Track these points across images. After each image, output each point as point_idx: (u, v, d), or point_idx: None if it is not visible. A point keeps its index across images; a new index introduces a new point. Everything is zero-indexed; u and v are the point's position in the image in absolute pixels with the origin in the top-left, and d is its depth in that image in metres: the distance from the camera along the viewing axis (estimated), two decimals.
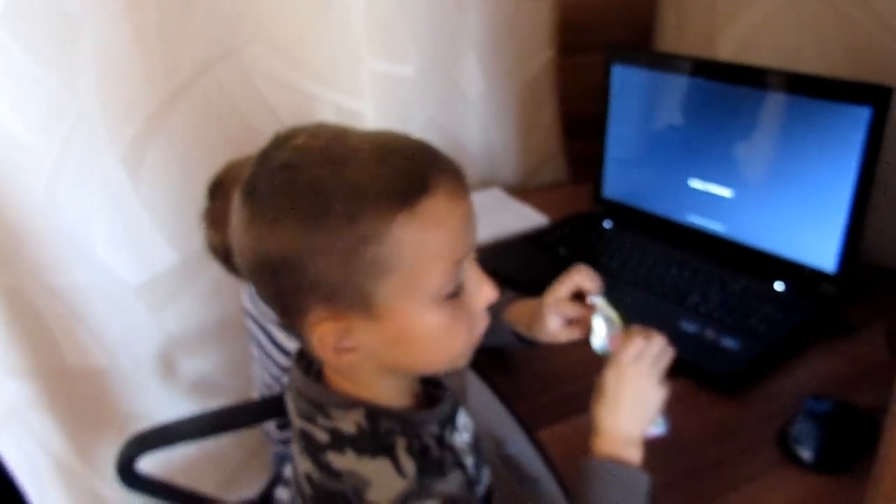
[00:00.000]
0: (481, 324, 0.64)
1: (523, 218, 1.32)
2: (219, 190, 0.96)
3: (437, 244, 0.57)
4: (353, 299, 0.57)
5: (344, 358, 0.60)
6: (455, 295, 0.59)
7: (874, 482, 0.44)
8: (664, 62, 1.15)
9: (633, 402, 0.68)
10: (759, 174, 1.05)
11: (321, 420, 0.62)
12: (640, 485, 0.65)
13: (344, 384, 0.64)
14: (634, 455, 0.67)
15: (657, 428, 0.71)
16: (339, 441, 0.61)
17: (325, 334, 0.58)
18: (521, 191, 1.45)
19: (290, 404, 0.67)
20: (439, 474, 0.61)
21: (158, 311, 1.23)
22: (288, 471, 0.92)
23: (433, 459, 0.63)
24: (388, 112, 1.29)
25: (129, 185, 1.14)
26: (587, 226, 1.24)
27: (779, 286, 1.01)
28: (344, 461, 0.60)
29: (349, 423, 0.61)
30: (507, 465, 1.13)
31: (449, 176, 0.57)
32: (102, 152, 1.10)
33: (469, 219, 0.59)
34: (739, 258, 1.07)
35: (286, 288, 0.58)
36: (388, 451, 0.60)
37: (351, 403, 0.62)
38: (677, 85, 1.13)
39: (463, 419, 0.72)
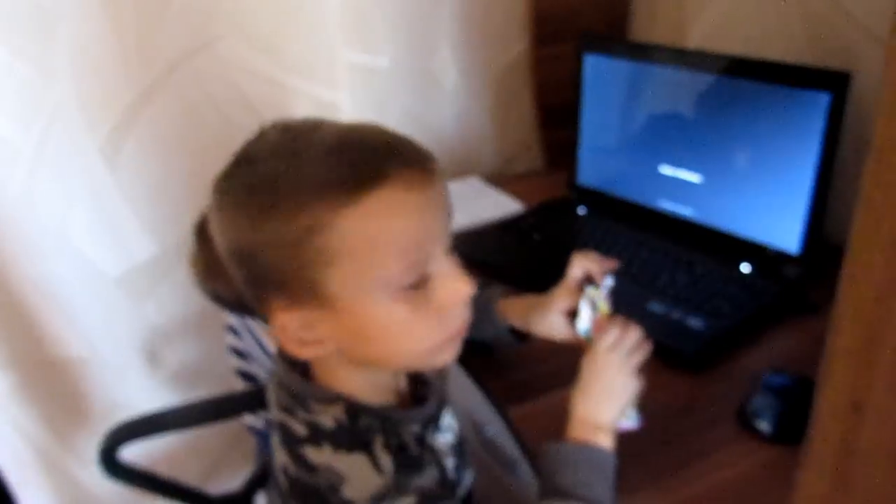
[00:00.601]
0: (456, 319, 0.62)
1: (500, 205, 1.34)
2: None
3: (391, 235, 0.56)
4: (305, 290, 0.57)
5: (308, 350, 0.61)
6: (418, 287, 0.58)
7: (807, 445, 0.47)
8: (634, 51, 1.18)
9: (604, 390, 0.70)
10: (725, 159, 1.07)
11: (300, 413, 0.62)
12: (606, 466, 0.67)
13: (327, 378, 0.64)
14: (604, 441, 0.68)
15: (629, 421, 0.72)
16: (317, 435, 0.61)
17: (284, 324, 0.59)
18: (499, 179, 1.47)
19: (272, 396, 0.67)
20: (416, 470, 0.61)
21: (138, 301, 1.24)
22: None
23: (410, 457, 0.63)
24: (363, 103, 1.30)
25: (108, 176, 1.15)
26: (561, 212, 1.27)
27: (745, 268, 1.04)
28: (320, 455, 0.60)
29: (328, 417, 0.61)
30: (486, 449, 1.16)
31: (410, 167, 0.57)
32: (81, 144, 1.11)
33: (434, 210, 0.59)
34: (708, 241, 1.10)
35: (248, 279, 0.59)
36: (365, 446, 0.60)
37: (332, 398, 0.62)
38: (647, 73, 1.16)
39: (448, 420, 0.72)
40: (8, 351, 1.17)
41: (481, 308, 0.82)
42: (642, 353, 0.73)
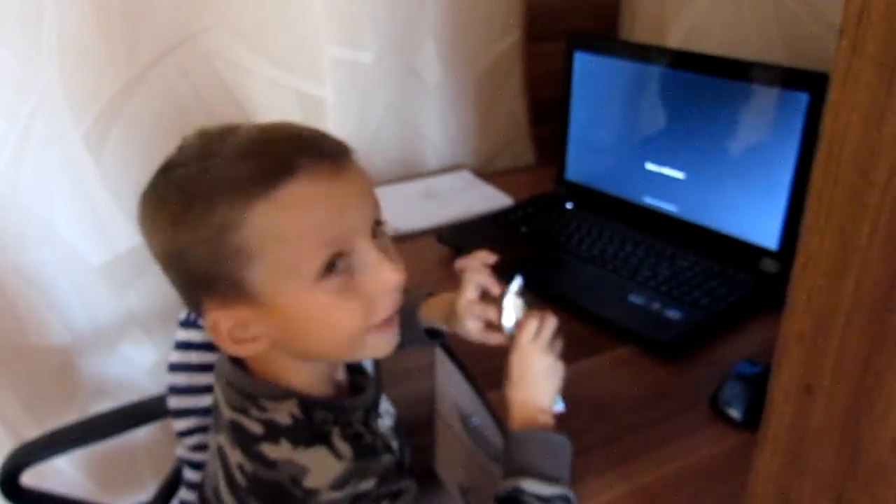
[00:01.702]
0: (385, 305, 0.63)
1: (489, 199, 1.36)
2: None
3: (303, 227, 0.57)
4: (231, 288, 0.58)
5: (242, 348, 0.62)
6: (341, 275, 0.60)
7: (763, 426, 0.49)
8: (622, 49, 1.19)
9: (536, 376, 0.73)
10: (708, 157, 1.09)
11: (254, 412, 0.63)
12: (563, 445, 0.70)
13: (272, 373, 0.65)
14: (548, 422, 0.72)
15: (558, 406, 0.75)
16: (274, 432, 0.61)
17: (215, 323, 0.60)
18: (489, 173, 1.48)
19: (219, 394, 0.68)
20: (373, 456, 0.64)
21: (121, 289, 1.25)
22: (189, 474, 0.90)
23: (366, 444, 0.65)
24: (347, 98, 1.31)
25: (92, 165, 1.15)
26: (549, 206, 1.28)
27: (726, 263, 1.06)
28: (279, 451, 0.61)
29: (283, 414, 0.62)
30: (472, 437, 1.19)
31: (318, 160, 0.58)
32: (65, 133, 1.11)
33: (348, 199, 0.59)
34: (690, 237, 1.12)
35: (178, 282, 0.61)
36: (323, 439, 0.61)
37: (283, 394, 0.63)
38: (634, 71, 1.17)
39: (385, 405, 0.75)
40: None
41: (405, 311, 0.83)
42: (560, 341, 0.76)
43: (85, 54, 1.09)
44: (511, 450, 0.70)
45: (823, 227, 0.41)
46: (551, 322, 0.75)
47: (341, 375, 0.71)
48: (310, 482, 0.59)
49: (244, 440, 0.62)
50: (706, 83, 1.07)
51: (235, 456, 0.63)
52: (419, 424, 1.47)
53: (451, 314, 0.82)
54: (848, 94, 0.37)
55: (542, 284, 1.02)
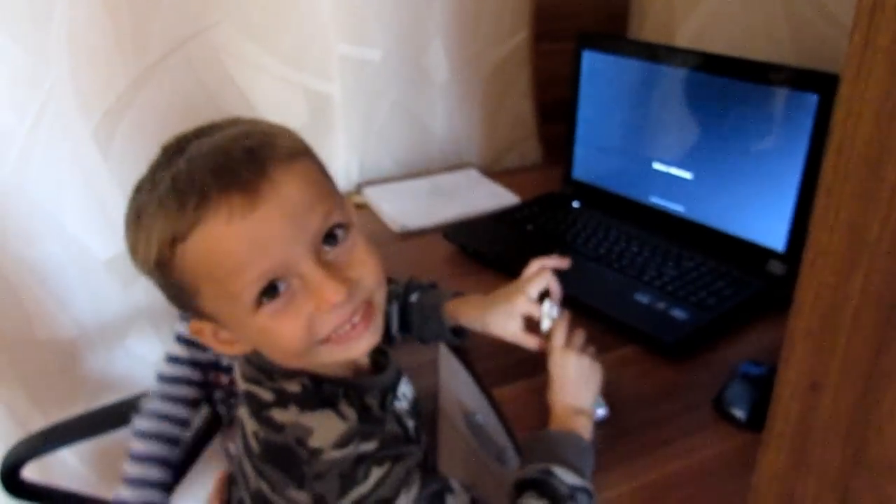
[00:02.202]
0: (327, 323, 0.61)
1: (495, 197, 1.36)
2: None
3: (227, 265, 0.57)
4: (192, 311, 0.62)
5: (227, 348, 0.65)
6: (276, 297, 0.59)
7: (768, 423, 0.49)
8: (630, 49, 1.19)
9: (576, 379, 0.78)
10: (715, 157, 1.09)
11: (266, 382, 0.66)
12: (590, 451, 0.72)
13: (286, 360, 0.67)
14: (583, 424, 0.74)
15: (601, 410, 0.80)
16: (284, 398, 0.64)
17: (199, 330, 0.64)
18: (496, 172, 1.49)
19: (237, 370, 0.71)
20: (378, 423, 0.66)
21: (128, 284, 1.25)
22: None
23: (373, 415, 0.68)
24: (355, 95, 1.32)
25: (101, 160, 1.16)
26: (555, 205, 1.28)
27: (732, 264, 1.06)
28: (287, 415, 0.63)
29: (294, 383, 0.65)
30: (475, 435, 1.19)
31: (235, 193, 0.56)
32: (74, 128, 1.12)
33: (270, 226, 0.57)
34: (697, 237, 1.12)
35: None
36: (330, 405, 0.64)
37: (295, 372, 0.65)
38: (642, 71, 1.17)
39: (404, 388, 0.76)
40: None
41: (429, 309, 0.89)
42: (591, 351, 0.81)
43: (94, 50, 1.09)
44: (541, 440, 0.73)
45: (832, 224, 0.41)
46: (580, 333, 0.82)
47: (363, 358, 0.72)
48: (313, 442, 0.61)
49: (256, 407, 0.65)
50: (715, 83, 1.06)
51: (250, 425, 0.65)
52: (423, 421, 1.47)
53: (491, 313, 0.84)
54: (859, 90, 0.37)
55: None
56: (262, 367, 0.67)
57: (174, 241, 0.57)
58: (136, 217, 0.59)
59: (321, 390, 0.65)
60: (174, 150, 0.61)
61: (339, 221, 0.62)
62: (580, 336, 0.82)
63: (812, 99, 0.95)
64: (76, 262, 1.19)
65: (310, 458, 0.60)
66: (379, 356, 0.75)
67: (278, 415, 0.63)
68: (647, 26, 1.42)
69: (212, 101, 1.21)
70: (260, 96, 1.24)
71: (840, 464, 0.44)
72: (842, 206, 0.40)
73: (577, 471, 0.69)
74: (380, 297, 0.66)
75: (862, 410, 0.42)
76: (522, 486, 0.70)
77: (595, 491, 0.69)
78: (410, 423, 0.75)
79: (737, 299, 0.98)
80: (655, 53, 1.14)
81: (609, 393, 0.81)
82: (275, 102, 1.25)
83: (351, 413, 0.64)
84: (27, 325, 1.19)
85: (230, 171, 0.57)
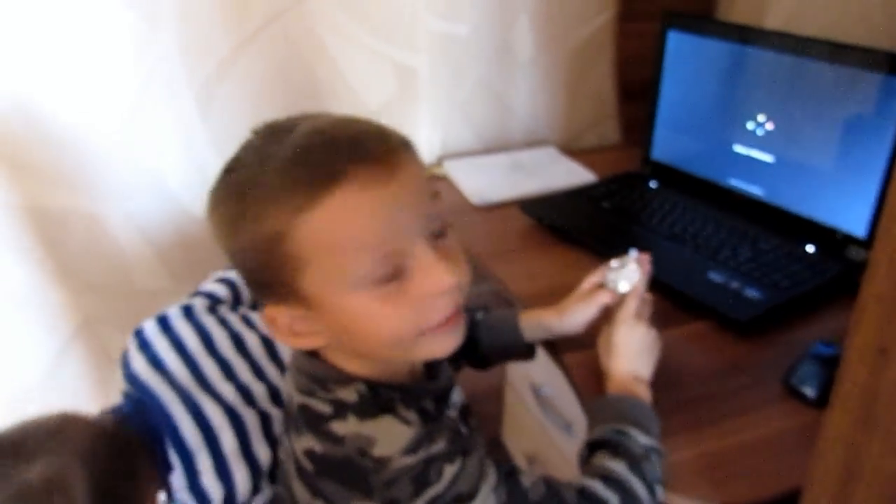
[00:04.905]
0: (439, 308, 0.61)
1: (573, 174, 1.38)
2: None
3: (351, 235, 0.57)
4: (285, 291, 0.60)
5: (301, 341, 0.63)
6: (393, 280, 0.59)
7: (835, 387, 0.51)
8: (716, 29, 1.19)
9: (639, 350, 0.78)
10: (798, 141, 1.08)
11: (321, 393, 0.64)
12: (655, 419, 0.73)
13: (342, 365, 0.65)
14: (644, 392, 0.76)
15: None
16: (341, 409, 0.62)
17: (273, 317, 0.62)
18: (575, 150, 1.50)
19: (290, 385, 0.69)
20: (439, 424, 0.65)
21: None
22: None
23: (432, 417, 0.67)
24: (440, 69, 1.35)
25: (200, 122, 1.22)
26: (633, 184, 1.30)
27: (810, 248, 1.06)
28: (346, 426, 0.61)
29: (350, 392, 0.63)
30: (542, 408, 1.22)
31: (368, 164, 0.57)
32: (178, 89, 1.18)
33: (400, 203, 0.58)
34: (775, 220, 1.12)
35: (240, 274, 0.64)
36: (389, 410, 0.62)
37: (350, 379, 0.64)
38: (727, 52, 1.17)
39: (456, 396, 0.75)
40: (102, 278, 1.26)
41: (501, 322, 0.88)
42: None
43: (200, 16, 1.15)
44: (609, 403, 0.74)
45: None
46: (649, 298, 0.82)
47: (417, 366, 0.71)
48: (378, 451, 0.59)
49: (314, 421, 0.63)
50: (803, 66, 1.06)
51: (304, 441, 0.64)
52: (489, 393, 1.51)
53: (563, 311, 0.83)
54: None
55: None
56: (315, 377, 0.65)
57: (299, 210, 0.56)
58: (239, 193, 0.59)
59: (378, 396, 0.63)
60: (280, 129, 0.60)
61: (445, 217, 0.63)
62: (649, 307, 0.82)
63: None
64: (173, 219, 1.26)
65: (376, 467, 0.59)
66: (432, 364, 0.73)
67: (337, 427, 0.61)
68: (737, 8, 1.40)
69: (305, 68, 1.26)
70: (350, 67, 1.28)
71: None
72: None
73: (647, 431, 0.70)
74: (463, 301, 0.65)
75: None
76: (595, 447, 0.71)
77: (665, 451, 0.71)
78: (464, 430, 0.72)
79: (812, 282, 0.98)
80: (743, 35, 1.14)
81: (678, 364, 0.83)
82: (364, 74, 1.29)
83: (413, 416, 0.62)
84: (128, 274, 1.27)
85: (362, 144, 0.58)
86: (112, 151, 1.17)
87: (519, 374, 1.37)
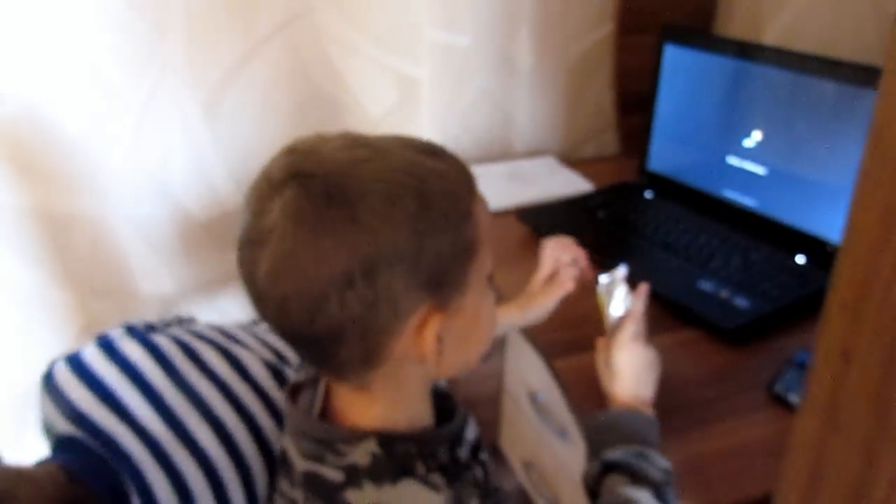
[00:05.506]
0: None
1: (571, 184, 1.40)
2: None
3: (488, 225, 0.59)
4: (454, 284, 0.57)
5: (439, 358, 0.57)
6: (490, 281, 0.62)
7: (804, 390, 0.53)
8: (714, 44, 1.21)
9: (641, 372, 0.77)
10: (791, 154, 1.10)
11: (331, 458, 0.58)
12: (652, 425, 0.72)
13: (354, 419, 0.61)
14: (648, 411, 0.75)
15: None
16: (355, 476, 0.57)
17: (433, 330, 0.56)
18: (573, 161, 1.53)
19: (290, 448, 0.63)
20: (464, 480, 0.61)
21: (223, 247, 1.34)
22: None
23: (454, 472, 0.61)
24: (442, 79, 1.37)
25: (206, 129, 1.25)
26: (628, 194, 1.32)
27: (800, 259, 1.07)
28: (363, 496, 0.56)
29: (362, 454, 0.57)
30: (538, 414, 1.23)
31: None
32: (184, 97, 1.21)
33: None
34: (768, 231, 1.13)
35: (392, 289, 0.53)
36: (408, 472, 0.57)
37: (361, 435, 0.58)
38: (723, 66, 1.19)
39: (470, 433, 0.69)
40: (107, 282, 1.28)
41: None
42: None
43: (207, 25, 1.18)
44: (620, 420, 0.72)
45: (869, 204, 0.44)
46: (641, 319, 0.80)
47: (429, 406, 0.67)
48: None
49: (325, 491, 0.58)
50: (796, 81, 1.08)
51: None
52: (485, 400, 1.52)
53: (528, 308, 0.86)
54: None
55: (612, 265, 1.06)
56: (321, 439, 0.59)
57: (472, 194, 0.58)
58: (418, 192, 0.54)
59: (393, 454, 0.57)
60: (360, 138, 0.58)
61: None
62: (644, 324, 0.81)
63: None
64: (178, 224, 1.29)
65: None
66: (443, 401, 0.68)
67: (354, 497, 0.56)
68: (734, 23, 1.43)
69: (308, 78, 1.29)
70: (353, 77, 1.31)
71: (867, 426, 0.48)
72: (878, 188, 0.44)
73: (663, 451, 0.69)
74: None
75: (889, 378, 0.45)
76: (609, 467, 0.68)
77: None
78: (479, 474, 0.66)
79: (801, 292, 1.00)
80: (738, 49, 1.16)
81: (666, 371, 0.84)
82: (367, 83, 1.32)
83: (437, 479, 0.57)
84: (132, 278, 1.29)
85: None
86: (118, 157, 1.20)
87: (516, 381, 1.38)
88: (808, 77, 1.06)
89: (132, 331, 0.73)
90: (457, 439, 0.65)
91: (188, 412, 0.68)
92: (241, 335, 0.79)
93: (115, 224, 1.24)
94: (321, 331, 0.54)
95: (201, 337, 0.76)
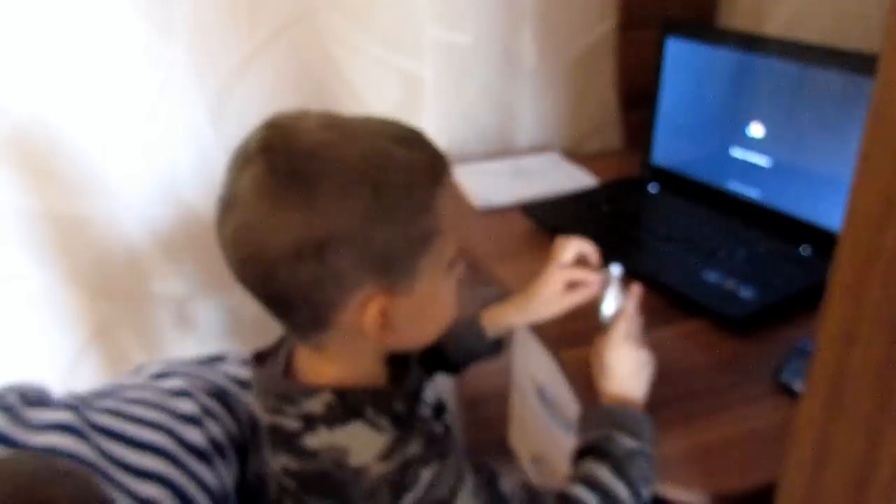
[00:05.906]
0: (461, 298, 0.68)
1: (575, 179, 1.41)
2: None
3: (454, 215, 0.62)
4: (403, 270, 0.60)
5: (385, 334, 0.61)
6: (453, 265, 0.65)
7: (808, 373, 0.53)
8: (715, 36, 1.21)
9: (632, 372, 0.78)
10: (795, 145, 1.11)
11: (290, 409, 0.63)
12: (648, 421, 0.74)
13: (310, 378, 0.65)
14: (639, 406, 0.77)
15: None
16: (311, 423, 0.61)
17: (376, 308, 0.60)
18: (578, 156, 1.53)
19: (256, 404, 0.69)
20: (411, 427, 0.63)
21: None
22: None
23: (403, 420, 0.64)
24: (445, 77, 1.38)
25: (212, 131, 1.26)
26: (633, 188, 1.32)
27: (805, 250, 1.08)
28: (317, 439, 0.61)
29: (318, 404, 0.62)
30: (545, 408, 1.24)
31: (449, 167, 0.63)
32: (190, 99, 1.22)
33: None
34: (772, 223, 1.14)
35: (337, 268, 0.57)
36: (358, 415, 0.61)
37: (317, 389, 0.62)
38: (726, 58, 1.19)
39: (429, 393, 0.74)
40: (118, 283, 1.30)
41: (462, 327, 0.87)
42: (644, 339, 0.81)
43: (211, 27, 1.19)
44: (599, 413, 0.76)
45: (869, 186, 0.45)
46: (637, 317, 0.81)
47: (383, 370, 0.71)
48: (353, 460, 0.59)
49: (285, 439, 0.63)
50: (800, 71, 1.08)
51: (281, 459, 0.64)
52: (495, 396, 1.53)
53: (527, 304, 0.86)
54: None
55: (617, 258, 1.07)
56: (281, 394, 0.64)
57: (434, 184, 0.60)
58: (373, 181, 0.57)
59: (346, 402, 0.62)
60: (339, 118, 0.63)
61: None
62: (640, 323, 0.81)
63: None
64: (187, 225, 1.30)
65: (355, 477, 0.59)
66: (398, 364, 0.71)
67: (309, 441, 0.61)
68: (736, 15, 1.43)
69: (312, 79, 1.30)
70: (357, 77, 1.32)
71: (869, 408, 0.48)
72: (878, 171, 0.44)
73: (635, 435, 0.71)
74: None
75: (891, 360, 0.46)
76: (582, 453, 0.73)
77: (655, 455, 0.72)
78: (437, 428, 0.72)
79: (806, 282, 1.00)
80: (739, 41, 1.16)
81: (672, 361, 0.85)
82: (371, 82, 1.33)
83: (384, 422, 0.62)
84: (143, 279, 1.31)
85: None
86: (127, 160, 1.21)
87: (524, 376, 1.39)
88: (812, 67, 1.06)
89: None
90: (414, 397, 0.70)
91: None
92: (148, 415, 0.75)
93: (124, 225, 1.26)
94: (273, 294, 0.59)
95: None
